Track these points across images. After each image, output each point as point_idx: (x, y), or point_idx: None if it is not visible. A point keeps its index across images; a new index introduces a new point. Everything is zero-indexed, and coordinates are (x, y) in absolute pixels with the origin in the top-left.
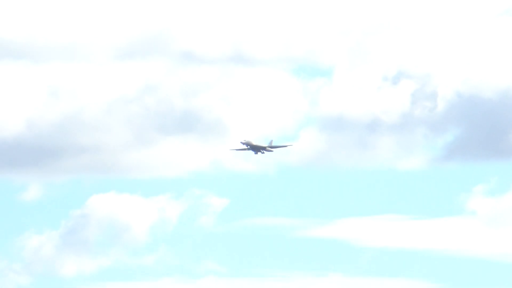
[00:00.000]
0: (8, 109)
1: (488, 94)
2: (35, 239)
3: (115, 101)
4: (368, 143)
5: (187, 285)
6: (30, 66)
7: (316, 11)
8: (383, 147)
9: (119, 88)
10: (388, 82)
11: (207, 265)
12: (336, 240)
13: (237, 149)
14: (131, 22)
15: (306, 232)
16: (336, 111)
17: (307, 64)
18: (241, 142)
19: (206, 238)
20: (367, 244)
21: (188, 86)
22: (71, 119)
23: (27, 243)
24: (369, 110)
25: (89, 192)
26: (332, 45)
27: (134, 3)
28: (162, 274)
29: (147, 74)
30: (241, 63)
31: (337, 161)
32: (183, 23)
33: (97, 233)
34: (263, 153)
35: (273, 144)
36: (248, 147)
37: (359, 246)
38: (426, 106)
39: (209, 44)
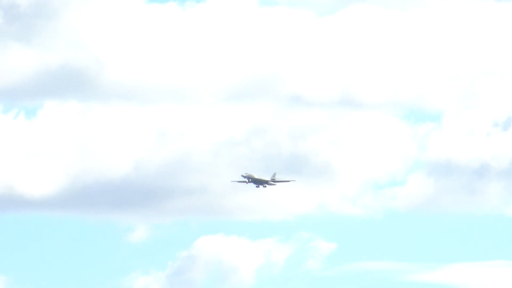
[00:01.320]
0: (116, 150)
1: None
2: (141, 280)
3: (223, 143)
4: (477, 188)
5: None
6: (139, 108)
7: (425, 56)
8: (492, 193)
9: (227, 130)
10: (498, 127)
11: None
12: (444, 285)
13: (238, 181)
14: (240, 64)
15: (414, 277)
16: (444, 156)
17: (416, 108)
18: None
19: (313, 282)
20: None
21: (296, 129)
22: (179, 160)
23: (134, 284)
24: (478, 155)
25: (196, 234)
26: (441, 89)
27: (243, 46)
28: None
29: (255, 117)
30: (349, 107)
31: (445, 206)
32: (292, 66)
33: (203, 274)
34: (265, 186)
35: (276, 178)
36: (250, 180)
37: None
38: None
39: (317, 88)
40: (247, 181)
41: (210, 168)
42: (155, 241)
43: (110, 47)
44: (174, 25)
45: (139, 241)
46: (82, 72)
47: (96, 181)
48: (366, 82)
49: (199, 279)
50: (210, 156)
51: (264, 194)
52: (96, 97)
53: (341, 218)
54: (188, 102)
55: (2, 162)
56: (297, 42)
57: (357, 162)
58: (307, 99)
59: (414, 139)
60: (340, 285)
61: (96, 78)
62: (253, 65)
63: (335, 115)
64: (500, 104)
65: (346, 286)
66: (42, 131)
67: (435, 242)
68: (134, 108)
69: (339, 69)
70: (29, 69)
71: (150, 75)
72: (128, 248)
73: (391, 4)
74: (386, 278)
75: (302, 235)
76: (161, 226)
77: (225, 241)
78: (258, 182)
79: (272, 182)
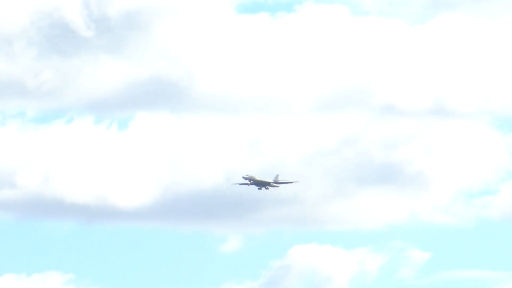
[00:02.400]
0: (208, 161)
1: None
2: None
3: (314, 153)
4: None
5: None
6: (230, 118)
7: None
8: None
9: (318, 140)
10: None
11: None
12: None
13: (239, 184)
14: (332, 74)
15: (507, 286)
16: None
17: (509, 117)
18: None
19: None
20: None
21: (388, 138)
22: (271, 171)
23: None
24: None
25: (290, 243)
26: None
27: (334, 56)
28: None
29: (347, 126)
30: (442, 115)
31: None
32: (384, 75)
33: (297, 284)
34: (267, 188)
35: (279, 180)
36: (251, 182)
37: None
38: None
39: (410, 97)
40: (249, 183)
41: (302, 178)
42: (248, 251)
43: (201, 58)
44: (265, 35)
45: (232, 251)
46: (173, 83)
47: (188, 192)
48: (458, 91)
49: None
50: (301, 166)
51: (355, 203)
52: (187, 108)
53: (433, 227)
54: (280, 113)
55: (94, 173)
56: (389, 52)
57: (450, 171)
58: (399, 108)
59: (507, 148)
60: None
61: (188, 89)
62: (345, 75)
63: (427, 124)
64: None
65: None
66: (134, 142)
67: None
68: (225, 118)
69: (431, 78)
70: (121, 80)
71: (241, 86)
72: (222, 259)
73: (482, 12)
74: (480, 287)
75: (395, 244)
76: (254, 236)
77: (319, 251)
78: (260, 184)
79: (275, 184)
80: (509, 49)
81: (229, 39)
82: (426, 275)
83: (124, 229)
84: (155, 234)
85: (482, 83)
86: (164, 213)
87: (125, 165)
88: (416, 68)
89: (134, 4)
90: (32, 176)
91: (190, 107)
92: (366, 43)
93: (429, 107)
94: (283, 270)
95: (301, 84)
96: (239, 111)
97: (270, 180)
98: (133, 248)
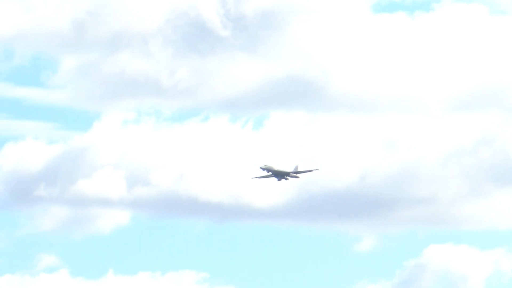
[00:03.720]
0: (342, 160)
1: None
2: None
3: (451, 153)
4: None
5: None
6: (365, 118)
7: None
8: None
9: (454, 140)
10: None
11: None
12: None
13: (259, 177)
14: (469, 73)
15: None
16: None
17: None
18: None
19: None
20: None
21: None
22: (407, 170)
23: None
24: None
25: (425, 243)
26: None
27: (472, 55)
28: None
29: (484, 126)
30: None
31: None
32: None
33: (431, 284)
34: (287, 179)
35: (299, 169)
36: (270, 173)
37: None
38: None
39: None
40: (267, 173)
41: (439, 178)
42: (383, 251)
43: (336, 57)
44: (402, 34)
45: (367, 251)
46: (308, 82)
47: (323, 191)
48: None
49: None
50: (438, 166)
51: (491, 203)
52: (322, 107)
53: None
54: (416, 112)
55: (228, 172)
56: None
57: None
58: None
59: None
60: None
61: (323, 88)
62: (482, 74)
63: None
64: None
65: None
66: (269, 140)
67: None
68: (360, 118)
69: None
70: (256, 79)
71: (377, 85)
72: (356, 258)
73: None
74: None
75: None
76: (389, 236)
77: (455, 250)
78: (279, 175)
79: (294, 174)
80: None
81: (365, 38)
82: None
83: (258, 228)
84: (289, 233)
85: None
86: (299, 212)
87: (259, 163)
88: None
89: (270, 3)
90: (166, 174)
91: (325, 106)
92: (504, 42)
93: None
94: (418, 270)
95: (438, 83)
96: (374, 110)
97: (289, 170)
98: (266, 247)
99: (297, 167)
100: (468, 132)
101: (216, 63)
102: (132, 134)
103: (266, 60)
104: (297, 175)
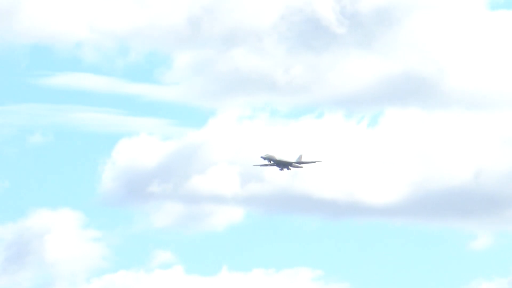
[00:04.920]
0: (458, 157)
1: None
2: (484, 287)
3: None
4: None
5: None
6: (481, 115)
7: None
8: None
9: None
10: None
11: None
12: None
13: (260, 165)
14: None
15: None
16: None
17: None
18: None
19: None
20: None
21: None
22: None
23: None
24: None
25: None
26: None
27: None
28: None
29: None
30: None
31: None
32: None
33: None
34: (289, 169)
35: (302, 160)
36: (272, 162)
37: None
38: None
39: None
40: (268, 162)
41: None
42: (499, 248)
43: (452, 54)
44: None
45: (482, 248)
46: (424, 79)
47: (438, 189)
48: None
49: None
50: None
51: None
52: (438, 104)
53: None
54: None
55: (343, 168)
56: None
57: None
58: None
59: None
60: None
61: (439, 85)
62: None
63: None
64: None
65: None
66: (384, 138)
67: None
68: (476, 115)
69: None
70: (371, 76)
71: (493, 82)
72: (471, 255)
73: None
74: None
75: None
76: (505, 233)
77: None
78: (281, 164)
79: (297, 165)
80: None
81: (481, 35)
82: None
83: (372, 226)
84: (403, 231)
85: None
86: (413, 209)
87: (374, 161)
88: None
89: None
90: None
91: (441, 103)
92: None
93: None
94: None
95: None
96: (490, 107)
97: (292, 160)
98: (381, 245)
99: (300, 157)
100: None
101: (331, 60)
102: (247, 130)
103: (381, 57)
104: (300, 165)
